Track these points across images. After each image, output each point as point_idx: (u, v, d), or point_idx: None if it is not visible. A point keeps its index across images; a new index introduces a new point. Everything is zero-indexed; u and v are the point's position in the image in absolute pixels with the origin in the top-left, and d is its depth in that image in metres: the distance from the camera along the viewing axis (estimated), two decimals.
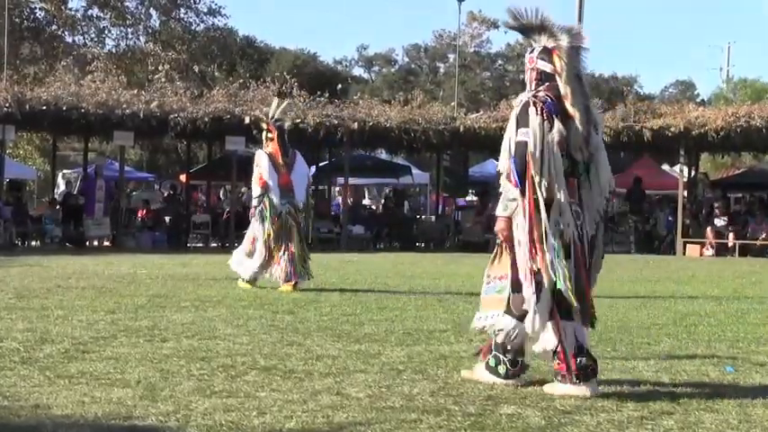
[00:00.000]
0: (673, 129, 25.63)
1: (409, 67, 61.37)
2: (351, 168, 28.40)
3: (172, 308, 9.71)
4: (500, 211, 6.03)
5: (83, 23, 40.91)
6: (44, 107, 23.95)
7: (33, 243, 25.57)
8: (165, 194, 32.30)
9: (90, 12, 41.05)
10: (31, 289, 11.81)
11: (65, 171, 37.25)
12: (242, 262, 12.68)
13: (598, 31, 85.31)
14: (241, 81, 29.45)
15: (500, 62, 58.65)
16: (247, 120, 13.65)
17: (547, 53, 6.06)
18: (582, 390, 5.78)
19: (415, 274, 16.02)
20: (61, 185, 34.23)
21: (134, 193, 33.98)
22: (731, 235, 25.83)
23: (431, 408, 5.36)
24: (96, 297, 10.86)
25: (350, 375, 6.21)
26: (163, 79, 30.34)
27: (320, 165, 32.64)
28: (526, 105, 5.94)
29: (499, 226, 6.05)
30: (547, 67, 6.05)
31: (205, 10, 41.44)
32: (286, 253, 12.41)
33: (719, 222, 26.39)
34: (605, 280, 15.33)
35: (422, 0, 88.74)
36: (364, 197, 37.85)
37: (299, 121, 25.91)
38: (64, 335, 7.72)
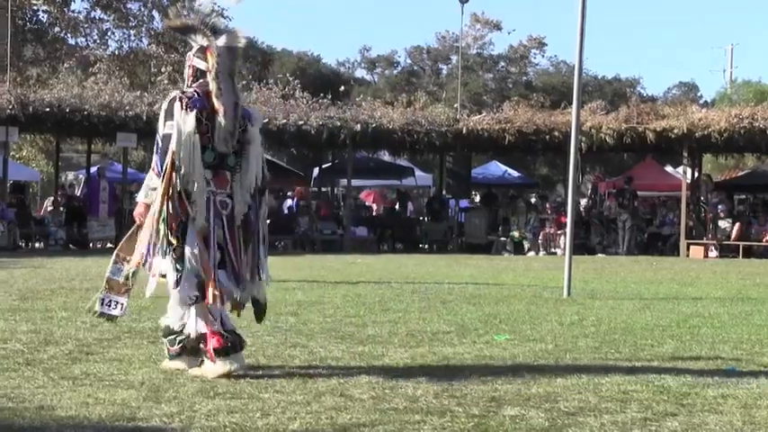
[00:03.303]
0: (676, 130, 25.60)
1: (412, 68, 61.33)
2: (354, 170, 28.40)
3: None
4: (141, 197, 6.42)
5: (85, 25, 40.90)
6: (47, 109, 23.98)
7: (37, 245, 25.60)
8: None
9: (93, 14, 41.03)
10: (35, 291, 11.81)
11: (69, 173, 37.26)
12: None
13: (601, 33, 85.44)
14: (244, 83, 29.48)
15: (503, 64, 58.60)
16: None
17: (202, 51, 6.40)
18: (226, 366, 6.08)
19: (419, 276, 16.02)
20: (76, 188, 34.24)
21: (137, 194, 33.92)
22: (734, 236, 25.81)
23: (434, 409, 5.36)
24: None
25: (353, 377, 6.21)
26: (165, 81, 30.37)
27: (323, 166, 32.69)
28: (173, 101, 6.25)
29: (138, 210, 6.41)
30: (201, 65, 6.39)
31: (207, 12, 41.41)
32: None
33: (724, 224, 26.36)
34: (607, 281, 15.41)
35: (424, 2, 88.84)
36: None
37: (301, 122, 25.97)
38: (68, 336, 7.72)
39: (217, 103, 6.24)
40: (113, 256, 6.58)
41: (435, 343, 7.93)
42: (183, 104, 6.21)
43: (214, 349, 6.15)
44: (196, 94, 6.28)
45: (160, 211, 6.16)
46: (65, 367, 6.39)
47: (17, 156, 36.22)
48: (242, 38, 6.43)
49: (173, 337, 6.40)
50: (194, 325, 6.29)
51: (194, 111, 6.21)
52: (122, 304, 6.55)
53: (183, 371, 6.28)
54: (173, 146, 6.15)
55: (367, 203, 33.25)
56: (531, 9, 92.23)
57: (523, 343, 8.01)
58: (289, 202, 30.66)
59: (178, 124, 6.17)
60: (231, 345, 6.21)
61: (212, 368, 6.14)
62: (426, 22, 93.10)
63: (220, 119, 6.24)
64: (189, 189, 6.18)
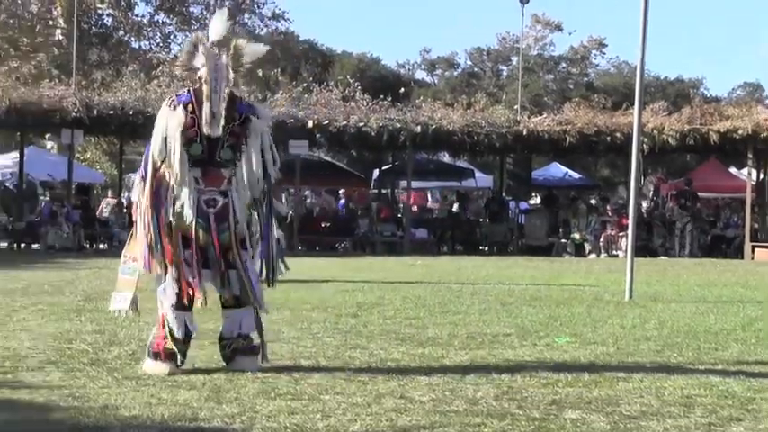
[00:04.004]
0: (740, 131, 25.26)
1: (472, 70, 61.13)
2: (414, 172, 28.39)
3: None
4: (134, 197, 6.64)
5: (149, 29, 41.46)
6: (111, 112, 24.31)
7: (101, 246, 25.92)
8: None
9: (156, 17, 41.60)
10: (100, 291, 11.95)
11: (132, 175, 37.70)
12: None
13: (664, 34, 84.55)
14: (304, 85, 29.60)
15: (563, 65, 58.23)
16: None
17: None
18: (161, 367, 6.28)
19: (479, 278, 15.97)
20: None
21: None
22: None
23: (495, 412, 5.34)
24: None
25: (413, 379, 6.21)
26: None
27: (383, 168, 32.71)
28: (166, 102, 6.59)
29: (132, 209, 6.67)
30: (200, 72, 6.49)
31: (269, 15, 41.77)
32: None
33: None
34: (670, 283, 15.24)
35: (485, 3, 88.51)
36: (427, 201, 37.82)
37: (361, 124, 26.03)
38: (131, 337, 7.81)
39: (205, 88, 6.37)
40: (122, 257, 6.73)
41: (495, 345, 7.90)
42: (170, 103, 6.49)
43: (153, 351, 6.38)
44: (185, 92, 6.51)
45: (150, 213, 6.36)
46: (128, 367, 6.47)
47: (82, 158, 36.76)
48: (224, 25, 6.56)
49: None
50: (251, 326, 6.47)
51: (180, 105, 6.42)
52: (128, 298, 6.65)
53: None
54: (158, 145, 6.36)
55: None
56: (592, 9, 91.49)
57: (584, 346, 7.96)
58: (341, 201, 30.75)
59: (159, 125, 6.41)
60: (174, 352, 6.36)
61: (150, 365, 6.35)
62: (487, 23, 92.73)
63: (204, 102, 6.35)
64: (172, 184, 6.35)
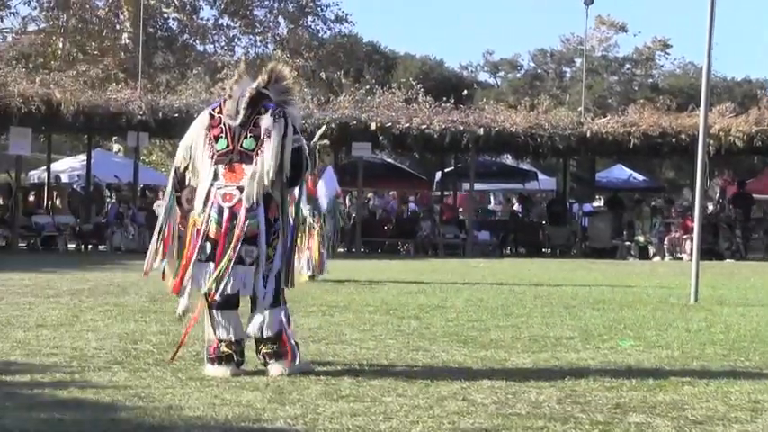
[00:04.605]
0: None
1: (535, 71, 60.87)
2: (476, 174, 28.34)
3: (299, 312, 9.81)
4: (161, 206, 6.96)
5: (213, 32, 41.81)
6: (176, 114, 24.56)
7: None
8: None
9: (220, 21, 41.93)
10: (165, 292, 12.02)
11: None
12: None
13: (731, 34, 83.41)
14: (367, 87, 29.67)
15: (628, 66, 57.75)
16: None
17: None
18: (221, 370, 6.29)
19: (542, 281, 15.89)
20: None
21: None
22: None
23: (558, 415, 5.31)
24: None
25: (476, 381, 6.19)
26: (295, 91, 30.65)
27: (445, 171, 32.68)
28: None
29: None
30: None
31: (332, 17, 41.94)
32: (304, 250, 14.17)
33: None
34: (737, 287, 15.02)
35: (548, 5, 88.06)
36: (490, 203, 37.73)
37: (424, 126, 26.03)
38: (195, 338, 7.85)
39: (231, 92, 6.56)
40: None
41: (558, 348, 7.86)
42: (205, 111, 6.74)
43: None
44: (219, 101, 6.73)
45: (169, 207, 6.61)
46: (192, 368, 6.53)
47: (147, 160, 37.20)
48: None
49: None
50: (277, 326, 6.43)
51: (208, 110, 6.69)
52: (183, 301, 6.72)
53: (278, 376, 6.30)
54: (182, 149, 6.63)
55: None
56: (657, 10, 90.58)
57: (649, 349, 7.88)
58: (411, 206, 30.79)
59: (186, 133, 6.67)
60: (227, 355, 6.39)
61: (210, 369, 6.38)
62: (550, 25, 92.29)
63: (227, 95, 6.54)
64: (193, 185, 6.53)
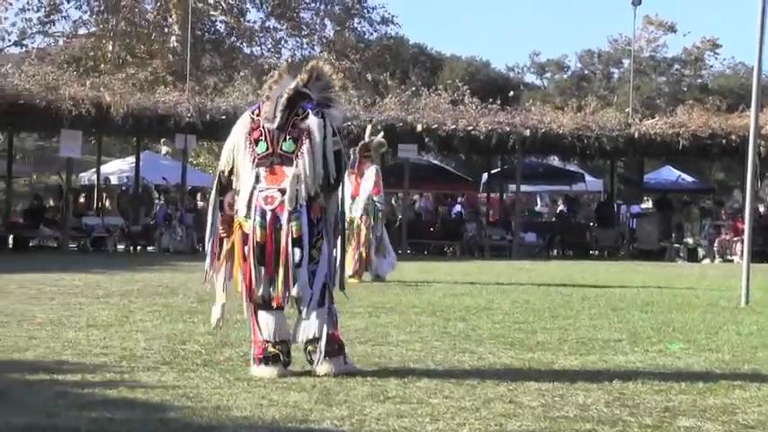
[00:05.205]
0: None
1: (582, 72, 60.57)
2: (523, 175, 28.25)
3: (346, 314, 9.82)
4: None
5: (260, 35, 42.00)
6: (223, 117, 24.66)
7: None
8: None
9: (267, 23, 42.13)
10: (212, 294, 12.14)
11: None
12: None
13: None
14: (413, 89, 29.66)
15: (676, 67, 57.27)
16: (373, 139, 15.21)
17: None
18: (268, 371, 6.30)
19: (589, 282, 15.80)
20: None
21: None
22: None
23: (606, 418, 5.28)
24: None
25: (523, 384, 6.17)
26: (337, 88, 30.74)
27: (492, 172, 32.61)
28: None
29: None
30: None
31: (378, 19, 42.00)
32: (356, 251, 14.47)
33: None
34: None
35: (596, 5, 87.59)
36: (536, 204, 37.59)
37: (470, 128, 25.99)
38: (243, 339, 7.91)
39: (269, 93, 6.56)
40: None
41: (606, 351, 7.81)
42: (246, 113, 6.72)
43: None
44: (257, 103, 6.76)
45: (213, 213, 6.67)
46: (240, 369, 6.56)
47: (195, 162, 37.46)
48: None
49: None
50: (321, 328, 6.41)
51: (248, 112, 6.67)
52: (217, 309, 6.88)
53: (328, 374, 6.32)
54: (224, 153, 6.64)
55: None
56: (706, 10, 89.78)
57: (698, 352, 7.80)
58: (457, 207, 30.74)
59: (228, 138, 6.63)
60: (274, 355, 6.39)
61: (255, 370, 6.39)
62: (598, 25, 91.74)
63: (265, 97, 6.55)
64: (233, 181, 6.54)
